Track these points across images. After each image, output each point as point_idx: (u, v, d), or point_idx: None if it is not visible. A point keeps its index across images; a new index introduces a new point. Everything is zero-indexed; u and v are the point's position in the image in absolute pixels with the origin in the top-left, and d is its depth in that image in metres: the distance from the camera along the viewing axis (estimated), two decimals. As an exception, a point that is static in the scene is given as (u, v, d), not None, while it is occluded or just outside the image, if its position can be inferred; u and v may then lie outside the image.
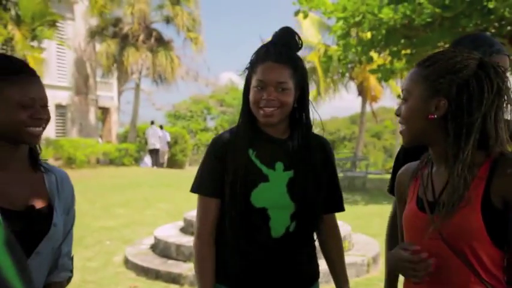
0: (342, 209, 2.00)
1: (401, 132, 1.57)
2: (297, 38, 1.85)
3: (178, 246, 5.93)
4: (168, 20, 23.50)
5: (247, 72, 1.88)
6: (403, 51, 11.55)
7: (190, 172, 20.58)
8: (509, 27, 9.03)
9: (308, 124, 1.90)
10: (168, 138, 22.22)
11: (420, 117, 1.48)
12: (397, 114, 1.56)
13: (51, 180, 1.70)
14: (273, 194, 1.80)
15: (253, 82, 1.80)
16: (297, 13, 11.19)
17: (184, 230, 6.49)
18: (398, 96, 17.15)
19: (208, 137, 32.41)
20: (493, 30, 9.60)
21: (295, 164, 1.84)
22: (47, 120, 1.64)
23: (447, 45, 11.22)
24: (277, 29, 1.90)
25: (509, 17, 8.20)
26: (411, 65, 12.45)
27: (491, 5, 8.28)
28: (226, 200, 1.81)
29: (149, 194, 12.45)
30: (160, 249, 6.17)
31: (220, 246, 1.88)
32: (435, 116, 1.46)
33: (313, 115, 1.93)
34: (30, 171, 1.67)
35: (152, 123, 22.53)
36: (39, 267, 1.60)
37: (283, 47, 1.81)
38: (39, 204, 1.63)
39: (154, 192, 12.99)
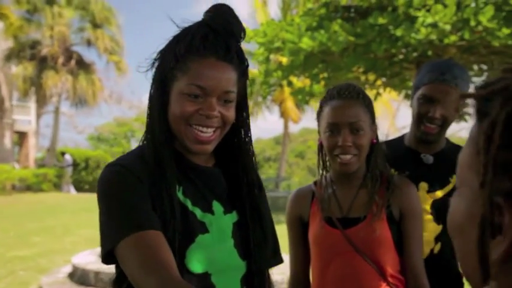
0: (281, 261, 1.42)
1: (350, 162, 1.63)
2: (240, 24, 1.22)
3: (97, 273, 5.81)
4: (89, 43, 23.11)
5: (160, 66, 1.23)
6: (320, 75, 12.03)
7: (113, 197, 20.03)
8: (415, 54, 9.68)
9: (249, 146, 1.33)
10: (70, 162, 21.79)
11: (368, 143, 1.68)
12: (348, 145, 1.62)
13: None
14: (218, 251, 1.22)
15: (182, 86, 1.18)
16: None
17: (103, 256, 6.35)
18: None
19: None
20: (401, 56, 10.27)
21: (235, 203, 1.30)
22: None
23: (361, 70, 11.83)
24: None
25: (414, 43, 8.80)
26: (329, 87, 12.99)
27: (398, 33, 8.85)
28: None
29: (69, 220, 12.04)
30: (78, 276, 6.01)
31: None
32: (375, 140, 1.72)
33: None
34: None
35: (63, 154, 21.97)
36: None
37: (228, 38, 1.20)
38: None
39: (75, 218, 12.58)
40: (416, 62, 10.88)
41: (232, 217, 1.28)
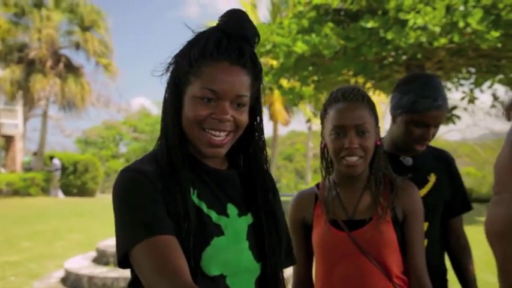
0: (295, 261, 1.46)
1: (356, 164, 1.65)
2: (254, 29, 1.24)
3: (90, 277, 5.76)
4: (77, 46, 22.97)
5: (174, 70, 1.24)
6: (310, 78, 12.09)
7: (101, 200, 20.13)
8: (404, 56, 9.78)
9: (262, 152, 1.34)
10: (59, 166, 21.58)
11: (373, 145, 1.69)
12: (355, 147, 1.63)
13: None
14: (233, 253, 1.23)
15: (196, 90, 1.19)
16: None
17: (97, 261, 6.31)
18: (308, 120, 17.83)
19: (119, 164, 31.76)
20: (390, 59, 10.36)
21: (250, 205, 1.31)
22: None
23: (351, 73, 11.92)
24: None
25: (404, 47, 8.88)
26: (319, 90, 13.07)
27: (389, 36, 8.93)
28: None
29: (59, 225, 11.95)
30: (71, 281, 5.96)
31: None
32: (378, 142, 1.72)
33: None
34: None
35: (52, 158, 21.76)
36: None
37: (242, 42, 1.21)
38: None
39: (65, 222, 12.49)
40: (406, 65, 11.01)
41: (247, 219, 1.29)
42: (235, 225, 1.26)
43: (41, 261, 7.99)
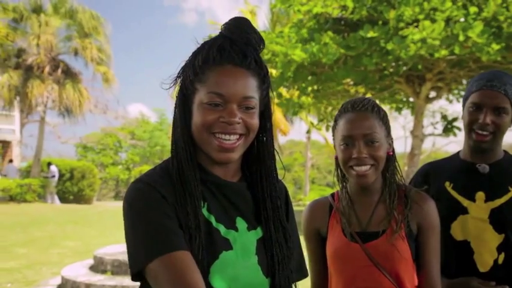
0: (306, 274, 1.44)
1: (366, 173, 1.63)
2: (258, 34, 1.24)
3: (88, 285, 5.71)
4: (76, 52, 22.93)
5: (181, 81, 1.24)
6: (310, 87, 12.07)
7: (98, 207, 20.06)
8: (404, 67, 9.79)
9: (272, 159, 1.31)
10: (56, 173, 21.49)
11: (385, 154, 1.67)
12: (364, 156, 1.61)
13: None
14: (242, 268, 1.20)
15: (202, 96, 1.18)
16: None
17: (94, 269, 6.26)
18: (308, 131, 17.81)
19: (117, 171, 31.62)
20: (391, 70, 10.37)
21: (260, 219, 1.28)
22: None
23: (351, 82, 11.92)
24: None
25: (404, 58, 8.89)
26: (318, 100, 13.07)
27: (389, 47, 8.93)
28: None
29: (55, 232, 11.88)
30: (68, 289, 5.91)
31: None
32: (391, 153, 1.70)
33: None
34: None
35: (50, 164, 21.64)
36: None
37: (245, 46, 1.21)
38: None
39: (61, 229, 12.42)
40: (406, 76, 11.02)
41: (257, 233, 1.26)
42: (244, 239, 1.23)
43: (37, 268, 7.93)
